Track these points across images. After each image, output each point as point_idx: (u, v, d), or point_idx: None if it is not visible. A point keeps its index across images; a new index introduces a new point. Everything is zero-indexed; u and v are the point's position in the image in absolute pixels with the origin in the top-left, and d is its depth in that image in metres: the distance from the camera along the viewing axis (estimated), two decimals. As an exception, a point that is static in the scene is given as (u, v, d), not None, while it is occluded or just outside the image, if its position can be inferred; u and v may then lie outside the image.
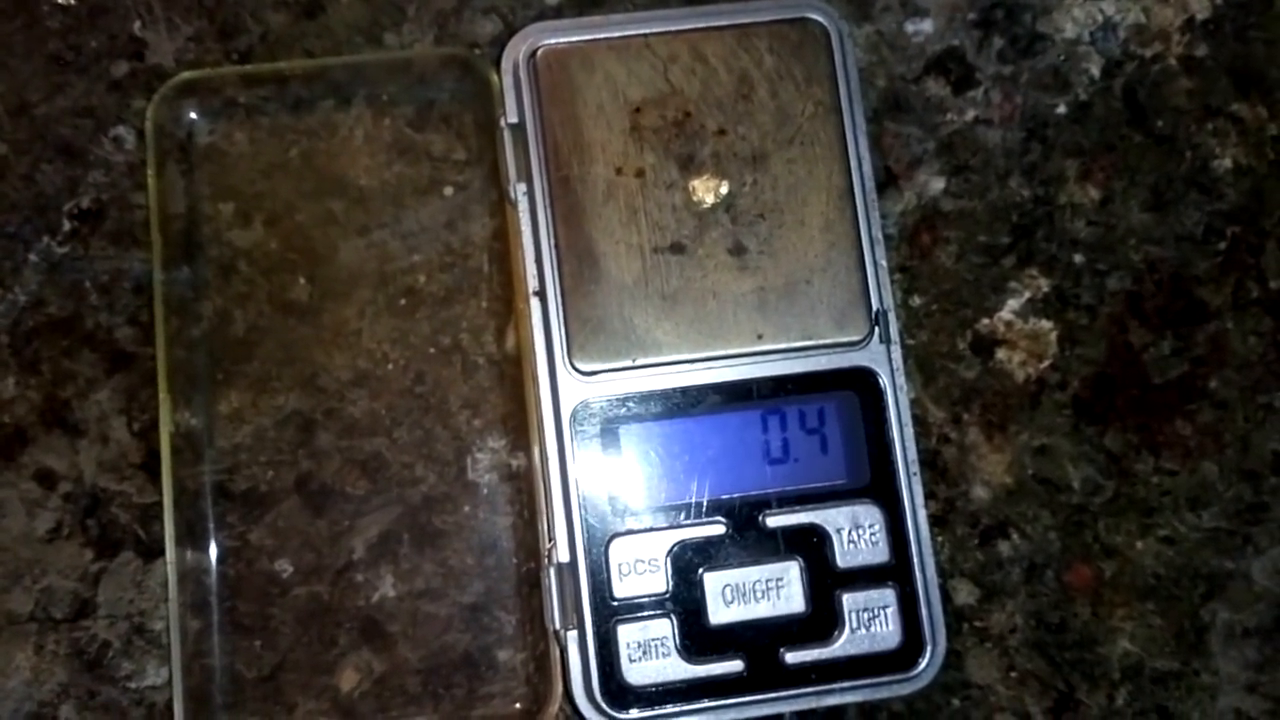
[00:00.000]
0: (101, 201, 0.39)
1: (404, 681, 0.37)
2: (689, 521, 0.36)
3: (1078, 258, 0.41)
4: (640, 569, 0.35)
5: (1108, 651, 0.39)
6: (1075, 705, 0.39)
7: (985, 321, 0.41)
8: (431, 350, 0.39)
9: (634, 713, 0.34)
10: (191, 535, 0.37)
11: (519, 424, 0.38)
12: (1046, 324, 0.41)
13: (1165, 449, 0.40)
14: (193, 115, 0.39)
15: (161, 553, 0.37)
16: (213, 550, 0.37)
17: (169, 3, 0.40)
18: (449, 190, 0.40)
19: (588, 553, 0.35)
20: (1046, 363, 0.40)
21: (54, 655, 0.37)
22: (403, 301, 0.39)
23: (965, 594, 0.39)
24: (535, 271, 0.37)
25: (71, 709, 0.37)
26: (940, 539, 0.39)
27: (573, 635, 0.35)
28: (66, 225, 0.39)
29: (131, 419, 0.38)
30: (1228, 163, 0.42)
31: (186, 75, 0.39)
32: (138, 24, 0.40)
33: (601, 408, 0.36)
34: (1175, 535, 0.40)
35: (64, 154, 0.40)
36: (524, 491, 0.38)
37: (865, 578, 0.35)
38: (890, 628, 0.35)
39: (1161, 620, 0.39)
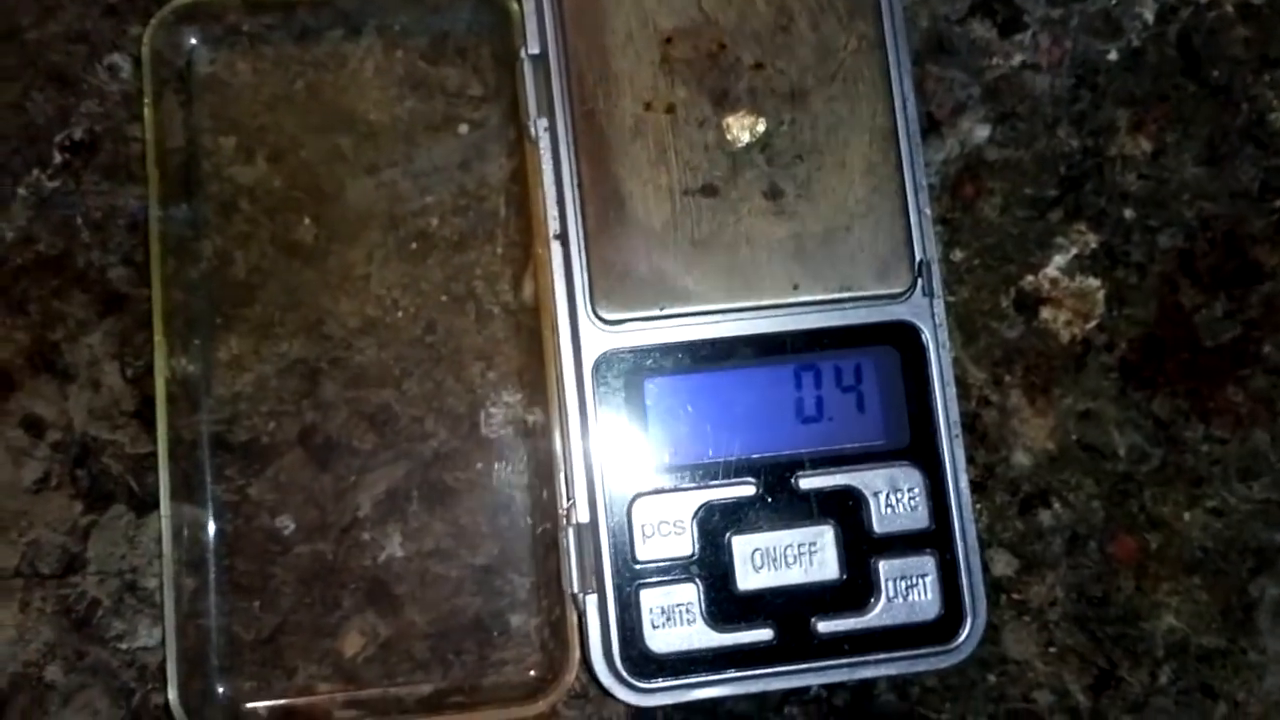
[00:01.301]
0: (95, 133, 0.37)
1: (411, 646, 0.35)
2: (717, 482, 0.33)
3: (1128, 213, 0.39)
4: (665, 531, 0.33)
5: (1151, 627, 0.37)
6: (1116, 683, 0.37)
7: (1030, 278, 0.39)
8: (444, 298, 0.37)
9: (657, 682, 0.32)
10: (187, 488, 0.35)
11: (536, 377, 0.36)
12: (1094, 282, 0.39)
13: (1216, 416, 0.38)
14: (193, 42, 0.37)
15: (155, 506, 0.35)
16: (210, 505, 0.35)
17: (168, -77, 0.38)
18: (464, 128, 0.37)
19: (609, 513, 0.33)
20: (1093, 323, 0.38)
21: (40, 613, 0.35)
22: (414, 245, 0.37)
23: (1003, 565, 0.37)
24: (557, 213, 0.34)
25: (58, 669, 0.35)
26: (979, 506, 0.37)
27: (592, 600, 0.33)
28: (57, 158, 0.37)
29: (125, 364, 0.36)
30: (1286, 116, 0.40)
31: (186, -1, 0.36)
32: (134, -55, 0.38)
33: (626, 359, 0.34)
34: (1224, 507, 0.38)
35: (55, 82, 0.37)
36: (540, 449, 0.36)
37: (903, 544, 0.33)
38: (929, 597, 0.33)
39: (1208, 595, 0.37)
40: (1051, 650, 0.37)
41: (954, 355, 0.37)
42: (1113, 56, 0.40)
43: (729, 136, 0.34)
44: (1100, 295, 0.39)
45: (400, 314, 0.36)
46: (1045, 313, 0.38)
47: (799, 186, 0.34)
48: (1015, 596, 0.37)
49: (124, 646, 0.35)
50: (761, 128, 0.34)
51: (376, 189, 0.37)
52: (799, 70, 0.35)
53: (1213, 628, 0.37)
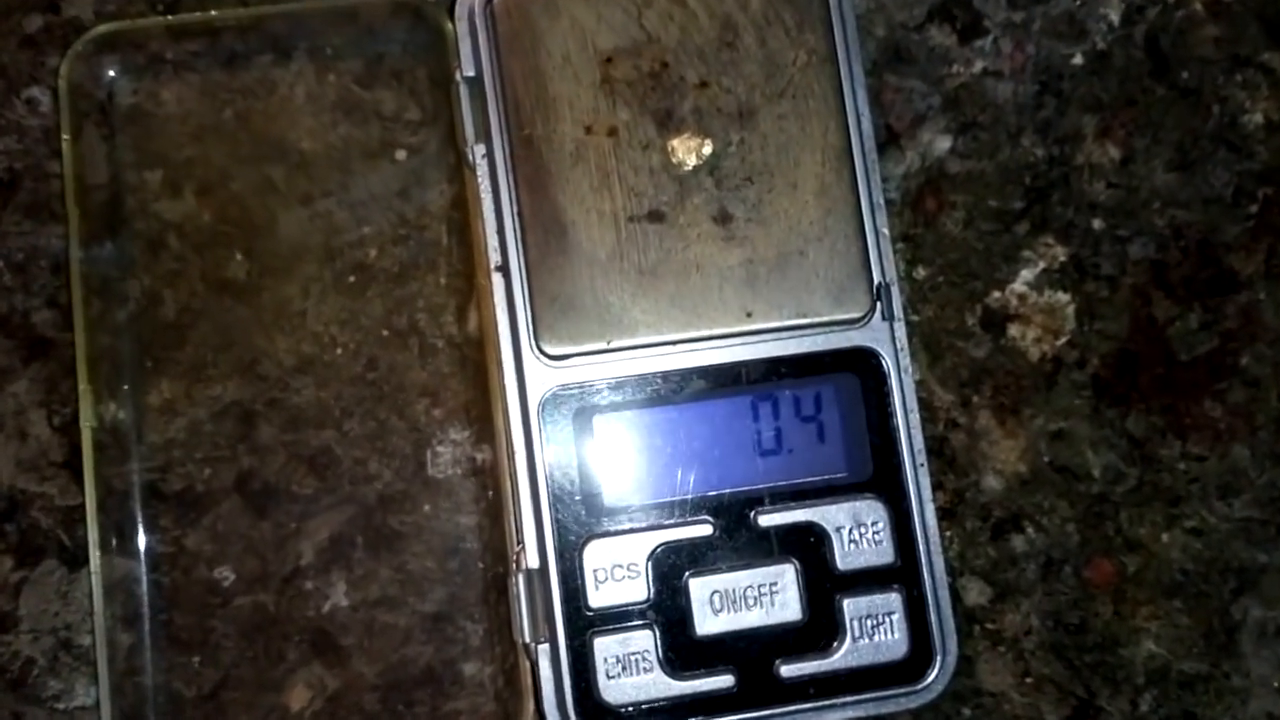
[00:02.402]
0: (14, 171, 0.35)
1: (360, 699, 0.34)
2: (672, 521, 0.32)
3: (1096, 223, 0.38)
4: (618, 575, 0.31)
5: (1131, 654, 0.36)
6: (1095, 712, 0.36)
7: (996, 295, 0.37)
8: (385, 332, 0.35)
9: (613, 734, 0.31)
10: (120, 540, 0.33)
11: (483, 413, 0.34)
12: (1063, 297, 0.37)
13: (1193, 432, 0.37)
14: (112, 73, 0.35)
15: (87, 560, 0.33)
16: (144, 557, 0.34)
17: (87, -53, 0.36)
18: (401, 154, 0.36)
19: (560, 557, 0.32)
20: (1063, 339, 0.37)
21: (-29, 674, 0.34)
22: (352, 279, 0.35)
23: (976, 593, 0.36)
24: (497, 244, 0.33)
25: (-9, 734, 0.34)
26: (949, 534, 0.36)
27: (544, 649, 0.31)
28: (-25, 197, 0.35)
29: (52, 412, 0.35)
30: (1258, 118, 0.38)
31: (105, 28, 0.35)
32: (52, -29, 0.36)
33: (573, 396, 0.32)
34: (1204, 526, 0.37)
35: (-29, 118, 0.36)
36: (490, 488, 0.34)
37: (868, 581, 0.32)
38: (896, 636, 0.32)
39: (1189, 619, 0.36)
40: (1028, 680, 0.36)
41: (919, 377, 0.36)
42: (1077, 60, 0.38)
43: (675, 159, 0.33)
44: (1070, 310, 0.37)
45: (339, 351, 0.35)
46: (1013, 330, 0.37)
47: (749, 210, 0.33)
48: (989, 626, 0.36)
49: (61, 706, 0.34)
50: (708, 149, 0.33)
51: (311, 220, 0.35)
52: (746, 88, 0.33)
53: (1194, 652, 0.36)
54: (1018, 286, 0.37)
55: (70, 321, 0.34)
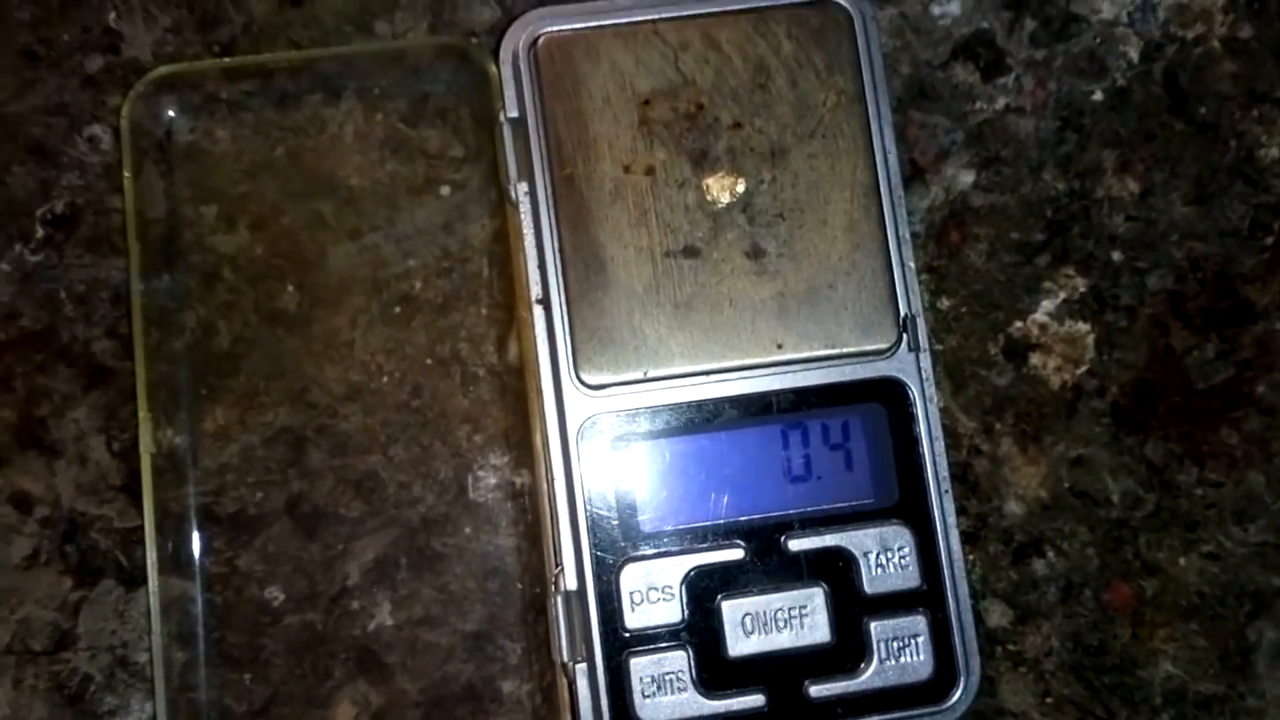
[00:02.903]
0: (76, 206, 0.37)
1: (403, 715, 0.35)
2: (705, 545, 0.33)
3: (1116, 255, 0.39)
4: (654, 597, 0.33)
5: (1149, 675, 0.37)
6: (1115, 732, 0.37)
7: (1018, 324, 0.38)
8: (428, 361, 0.36)
9: (648, 751, 0.32)
10: (176, 562, 0.35)
11: (523, 439, 0.36)
12: (1083, 326, 0.38)
13: (1210, 459, 0.38)
14: (171, 112, 0.37)
15: (144, 580, 0.35)
16: (199, 577, 0.35)
17: (145, -9, 0.38)
18: (446, 190, 0.37)
19: (597, 579, 0.33)
20: (1083, 368, 0.38)
21: (33, 689, 0.35)
22: (397, 309, 0.37)
23: (998, 615, 0.37)
24: (538, 278, 0.34)
25: (52, 746, 0.35)
26: (971, 558, 0.37)
27: (582, 668, 0.33)
28: (40, 232, 0.37)
29: (111, 438, 0.36)
30: (1275, 152, 0.39)
31: (164, 69, 0.36)
32: (112, 15, 0.38)
33: (611, 424, 0.34)
34: (1220, 551, 0.37)
35: (36, 155, 0.37)
36: (529, 511, 0.36)
37: (894, 604, 0.33)
38: (921, 658, 0.33)
39: (1205, 641, 0.37)
40: (1048, 701, 0.37)
41: (943, 404, 0.37)
42: (1098, 97, 0.39)
43: (709, 197, 0.34)
44: (1090, 340, 0.38)
45: (385, 379, 0.36)
46: (1035, 359, 0.38)
47: (781, 245, 0.34)
48: (1011, 648, 0.37)
49: (117, 720, 0.35)
50: (741, 187, 0.34)
51: (359, 253, 0.37)
52: (778, 128, 0.34)
53: (1210, 674, 0.37)
54: (1039, 317, 0.38)
55: (129, 351, 0.35)
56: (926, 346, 0.35)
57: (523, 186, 0.34)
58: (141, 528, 0.35)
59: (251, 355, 0.36)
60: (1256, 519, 0.38)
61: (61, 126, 0.37)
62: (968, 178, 0.39)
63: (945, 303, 0.38)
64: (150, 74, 0.36)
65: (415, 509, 0.36)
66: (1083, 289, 0.38)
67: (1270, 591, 0.37)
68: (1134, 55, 0.40)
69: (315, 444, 0.36)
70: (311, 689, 0.35)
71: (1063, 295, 0.38)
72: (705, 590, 0.33)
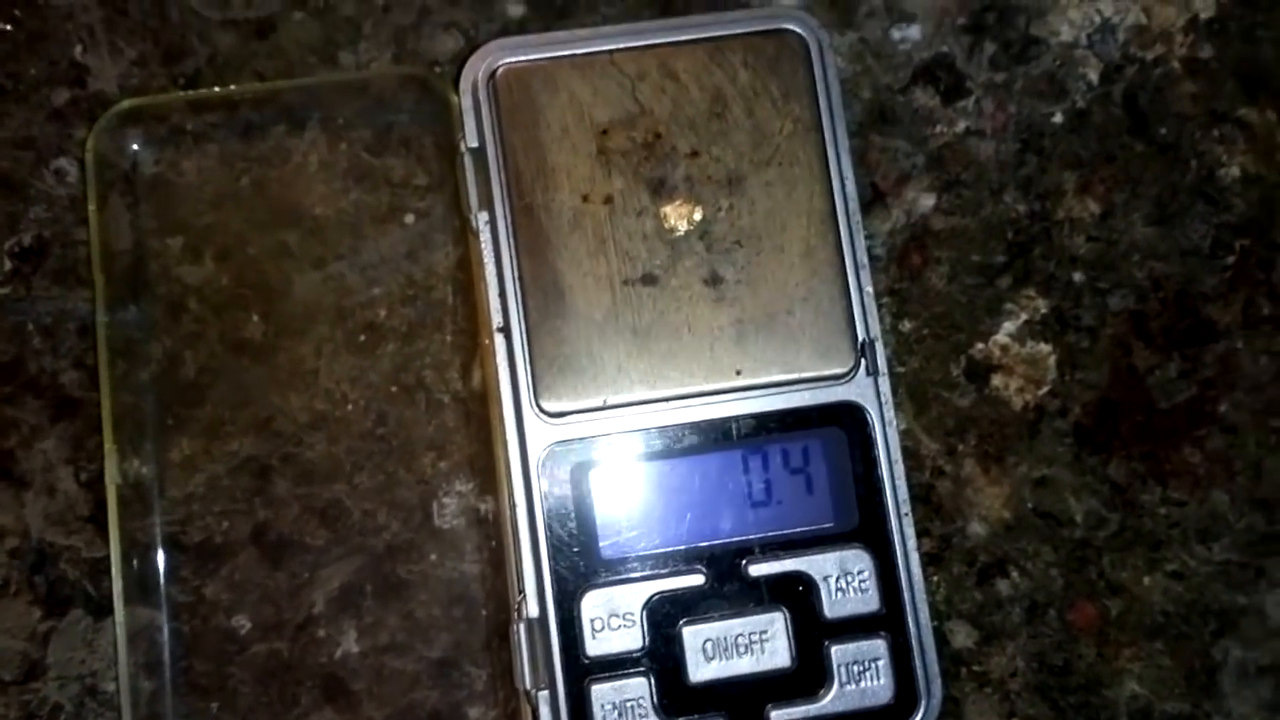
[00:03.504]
0: (43, 238, 0.37)
1: (370, 741, 0.35)
2: (666, 571, 0.33)
3: (1077, 276, 0.39)
4: (614, 624, 0.33)
5: (1114, 694, 0.37)
6: (1081, 752, 0.37)
7: (980, 346, 0.38)
8: (393, 389, 0.37)
9: (609, 778, 0.32)
10: (143, 591, 0.35)
11: (487, 465, 0.36)
12: (1045, 347, 0.39)
13: (1173, 478, 0.38)
14: (136, 145, 0.37)
15: (112, 610, 0.35)
16: (165, 606, 0.35)
17: (111, 25, 0.38)
18: (410, 218, 0.38)
19: (558, 607, 0.33)
20: (1045, 389, 0.38)
21: (4, 719, 0.35)
22: (362, 338, 0.37)
23: (963, 636, 0.37)
24: (499, 306, 0.34)
25: (21, 776, 0.35)
26: (935, 579, 0.37)
27: (544, 695, 0.33)
28: (7, 264, 0.37)
29: (79, 469, 0.36)
30: (1235, 171, 0.40)
31: (129, 103, 0.37)
32: (79, 48, 0.38)
33: (571, 451, 0.34)
34: (1184, 569, 0.38)
35: (3, 188, 0.37)
36: (493, 538, 0.36)
37: (854, 628, 0.33)
38: (882, 681, 0.33)
39: (1170, 660, 0.37)
40: (1014, 721, 0.37)
41: (905, 426, 0.38)
42: (1058, 119, 0.40)
43: (667, 225, 0.34)
44: (1052, 360, 0.39)
45: (350, 407, 0.37)
46: (997, 380, 0.38)
47: (739, 272, 0.34)
48: (975, 668, 0.37)
49: (87, 749, 0.36)
50: (699, 215, 0.34)
51: (324, 282, 0.37)
52: (735, 156, 0.35)
53: (1176, 693, 0.37)
54: (1000, 338, 0.39)
55: (96, 382, 0.36)
56: (885, 370, 0.35)
57: (483, 216, 0.35)
58: (108, 558, 0.35)
59: (217, 385, 0.36)
60: (1220, 538, 0.38)
61: (29, 159, 0.38)
62: (929, 201, 0.39)
63: (907, 325, 0.38)
64: (115, 107, 0.36)
65: (380, 536, 0.36)
66: (1044, 310, 0.39)
67: (1235, 610, 0.38)
68: (1094, 77, 0.40)
69: (280, 473, 0.36)
70: (279, 717, 0.35)
71: (1024, 316, 0.39)
72: (666, 616, 0.33)
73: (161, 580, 0.35)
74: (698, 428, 0.34)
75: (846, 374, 0.34)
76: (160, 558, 0.36)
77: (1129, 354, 0.39)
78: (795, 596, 0.33)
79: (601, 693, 0.32)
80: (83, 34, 0.38)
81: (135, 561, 0.35)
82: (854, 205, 0.35)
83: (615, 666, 0.33)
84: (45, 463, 0.36)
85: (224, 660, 0.35)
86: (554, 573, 0.33)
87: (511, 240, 0.34)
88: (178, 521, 0.36)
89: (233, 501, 0.36)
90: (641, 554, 0.34)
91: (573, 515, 0.34)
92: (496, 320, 0.35)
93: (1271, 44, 0.40)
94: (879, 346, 0.35)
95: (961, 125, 0.39)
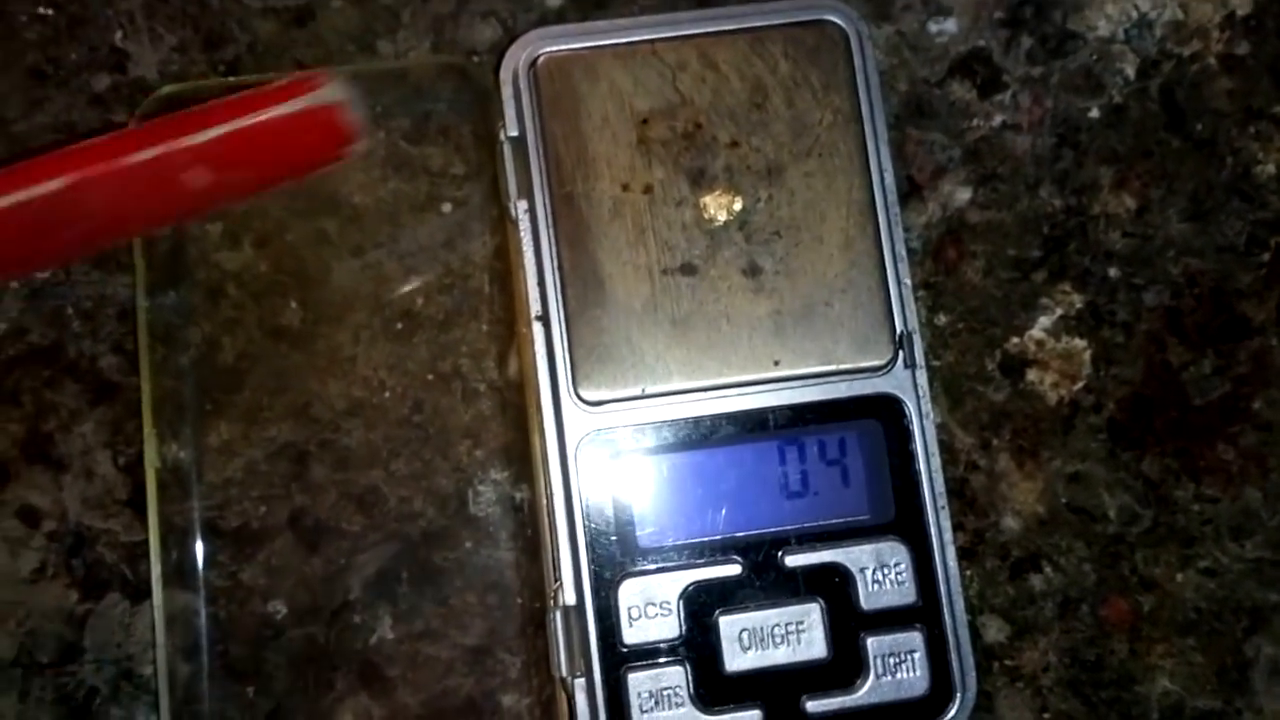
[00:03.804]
0: (83, 223, 0.37)
1: (404, 727, 0.35)
2: (703, 561, 0.34)
3: (1113, 271, 0.39)
4: (651, 612, 0.33)
5: (1146, 690, 0.37)
6: (1112, 747, 0.37)
7: (1015, 340, 0.38)
8: (430, 376, 0.37)
9: (646, 766, 0.33)
10: (180, 575, 0.35)
11: (523, 454, 0.36)
12: (1080, 343, 0.38)
13: (1206, 475, 0.38)
14: (176, 131, 0.37)
15: (149, 594, 0.35)
16: (202, 591, 0.35)
17: (151, 12, 0.38)
18: (447, 206, 0.38)
19: (595, 595, 0.33)
20: (1080, 384, 0.38)
21: (40, 701, 0.36)
22: (399, 325, 0.37)
23: (995, 631, 0.37)
24: (538, 295, 0.35)
25: (57, 758, 0.35)
26: (968, 573, 0.37)
27: (580, 683, 0.33)
28: (46, 248, 0.37)
29: (117, 452, 0.36)
30: (1271, 168, 0.40)
31: (169, 88, 0.37)
32: (119, 34, 0.38)
33: (609, 440, 0.34)
34: (1217, 566, 0.38)
35: (43, 173, 0.38)
36: (529, 525, 0.36)
37: (891, 620, 0.33)
38: (918, 674, 0.33)
39: (1202, 657, 0.37)
40: (1046, 716, 0.37)
41: (940, 420, 0.38)
42: (1094, 114, 0.40)
43: (706, 215, 0.34)
44: (1087, 355, 0.38)
45: (387, 394, 0.37)
46: (1031, 375, 0.38)
47: (777, 263, 0.34)
48: (1008, 663, 0.37)
49: (122, 732, 0.36)
50: (739, 205, 0.34)
51: (362, 270, 0.37)
52: (775, 147, 0.35)
53: (1208, 689, 0.37)
54: (1036, 333, 0.39)
55: (135, 366, 0.36)
56: (923, 363, 0.35)
57: (522, 204, 0.35)
58: (147, 541, 0.35)
59: (255, 371, 0.37)
60: (1253, 534, 0.38)
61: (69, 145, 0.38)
62: (965, 194, 0.39)
63: (942, 319, 0.38)
64: (156, 93, 0.37)
65: (416, 523, 0.36)
66: (1079, 305, 0.39)
67: (1267, 607, 0.38)
68: (1130, 72, 0.40)
69: (318, 459, 0.36)
70: (314, 702, 0.35)
71: (1059, 311, 0.39)
72: (703, 605, 0.33)
73: (199, 565, 0.36)
74: (735, 418, 0.34)
75: (884, 366, 0.34)
76: (198, 542, 0.36)
77: (1163, 350, 0.39)
78: (831, 587, 0.34)
79: (638, 681, 0.33)
80: (123, 20, 0.38)
81: (173, 546, 0.35)
82: (893, 197, 0.35)
83: (652, 655, 0.33)
84: (84, 446, 0.36)
85: (260, 645, 0.35)
86: (591, 560, 0.33)
87: (551, 229, 0.34)
88: (215, 506, 0.36)
89: (270, 487, 0.36)
90: (678, 543, 0.34)
91: (610, 503, 0.34)
92: (535, 309, 0.35)
93: (1309, 41, 0.40)
94: (917, 338, 0.35)
95: (998, 119, 0.39)
